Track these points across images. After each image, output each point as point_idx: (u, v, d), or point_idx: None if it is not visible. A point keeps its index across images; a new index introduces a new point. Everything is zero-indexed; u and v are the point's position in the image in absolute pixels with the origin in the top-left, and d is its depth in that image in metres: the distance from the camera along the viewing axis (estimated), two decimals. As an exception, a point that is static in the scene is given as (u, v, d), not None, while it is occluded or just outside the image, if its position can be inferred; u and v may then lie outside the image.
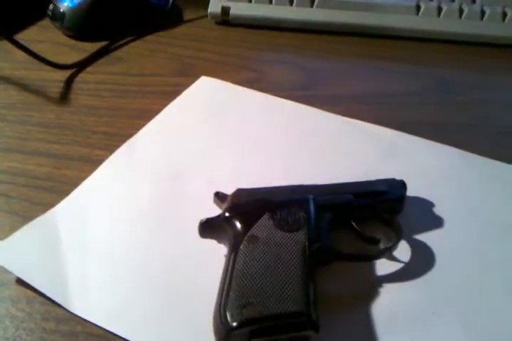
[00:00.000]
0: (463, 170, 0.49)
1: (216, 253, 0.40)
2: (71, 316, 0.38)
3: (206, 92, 0.59)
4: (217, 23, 0.71)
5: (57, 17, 0.67)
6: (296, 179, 0.44)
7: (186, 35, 0.69)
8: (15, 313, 0.38)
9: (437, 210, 0.45)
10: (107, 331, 0.37)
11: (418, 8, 0.67)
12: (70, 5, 0.66)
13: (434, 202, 0.46)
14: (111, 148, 0.51)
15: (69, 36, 0.68)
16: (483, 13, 0.66)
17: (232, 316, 0.33)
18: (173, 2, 0.72)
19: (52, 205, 0.45)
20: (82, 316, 0.37)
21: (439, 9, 0.67)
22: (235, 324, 0.32)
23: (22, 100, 0.58)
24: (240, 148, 0.51)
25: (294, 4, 0.68)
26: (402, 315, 0.38)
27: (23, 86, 0.60)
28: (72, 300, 0.38)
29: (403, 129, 0.53)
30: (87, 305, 0.38)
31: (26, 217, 0.44)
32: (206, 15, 0.71)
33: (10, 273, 0.40)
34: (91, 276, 0.40)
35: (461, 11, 0.66)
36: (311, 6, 0.68)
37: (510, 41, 0.66)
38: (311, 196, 0.41)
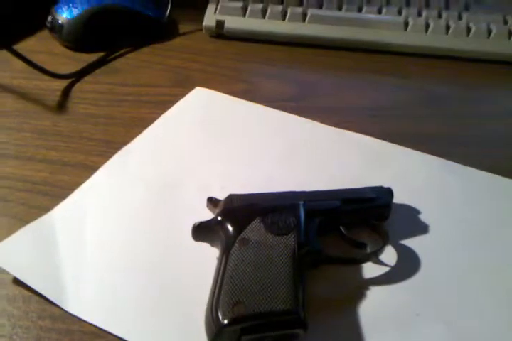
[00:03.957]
0: (447, 179, 0.51)
1: (209, 256, 0.41)
2: (66, 315, 0.39)
3: (200, 102, 0.60)
4: (212, 36, 0.73)
5: (56, 29, 0.69)
6: (286, 187, 0.45)
7: (182, 47, 0.71)
8: (11, 311, 0.39)
9: (422, 217, 0.47)
10: (102, 329, 0.38)
11: (406, 24, 0.69)
12: (68, 17, 0.68)
13: (420, 209, 0.47)
14: (107, 155, 0.52)
15: (67, 47, 0.70)
16: (469, 29, 0.68)
17: (223, 314, 0.34)
18: (169, 15, 0.74)
19: (48, 209, 0.47)
20: (77, 315, 0.39)
21: (427, 25, 0.69)
22: (225, 321, 0.33)
23: (20, 108, 0.59)
24: (233, 156, 0.53)
25: (287, 19, 0.70)
26: (387, 317, 0.39)
27: (20, 94, 0.62)
28: (68, 299, 0.39)
29: (390, 140, 0.55)
30: (82, 304, 0.39)
31: (23, 220, 0.45)
32: (201, 29, 0.73)
33: (7, 273, 0.41)
34: (86, 276, 0.41)
35: (447, 28, 0.69)
36: (303, 20, 0.70)
37: (494, 57, 0.68)
38: (301, 202, 0.42)
